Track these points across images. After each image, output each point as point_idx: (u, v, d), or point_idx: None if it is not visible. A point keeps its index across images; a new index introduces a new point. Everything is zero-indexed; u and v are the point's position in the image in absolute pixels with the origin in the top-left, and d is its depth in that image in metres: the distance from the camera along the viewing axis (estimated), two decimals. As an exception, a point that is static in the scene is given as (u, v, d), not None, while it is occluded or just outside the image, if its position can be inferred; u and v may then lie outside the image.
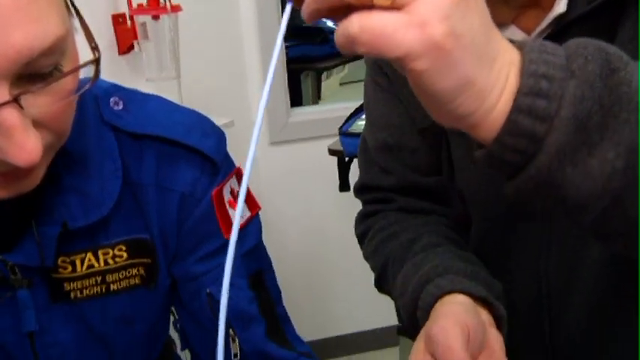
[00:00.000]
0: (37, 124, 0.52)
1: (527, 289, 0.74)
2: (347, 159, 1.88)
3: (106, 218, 0.68)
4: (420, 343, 0.61)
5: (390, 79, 0.79)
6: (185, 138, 0.72)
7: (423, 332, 0.62)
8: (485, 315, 0.64)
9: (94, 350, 0.72)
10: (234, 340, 0.73)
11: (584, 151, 0.42)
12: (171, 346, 0.97)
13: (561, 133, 0.42)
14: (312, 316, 2.42)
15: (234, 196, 0.74)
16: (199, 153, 0.72)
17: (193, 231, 0.73)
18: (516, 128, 0.43)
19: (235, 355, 0.73)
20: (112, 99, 0.70)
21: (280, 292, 0.80)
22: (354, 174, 1.25)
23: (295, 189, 2.34)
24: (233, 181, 0.75)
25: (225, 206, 0.73)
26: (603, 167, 0.42)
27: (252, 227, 0.77)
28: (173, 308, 0.80)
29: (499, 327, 0.65)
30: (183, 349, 0.80)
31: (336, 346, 2.47)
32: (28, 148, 0.50)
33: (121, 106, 0.70)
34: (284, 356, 0.75)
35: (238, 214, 0.44)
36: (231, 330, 0.73)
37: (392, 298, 0.77)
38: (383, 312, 2.31)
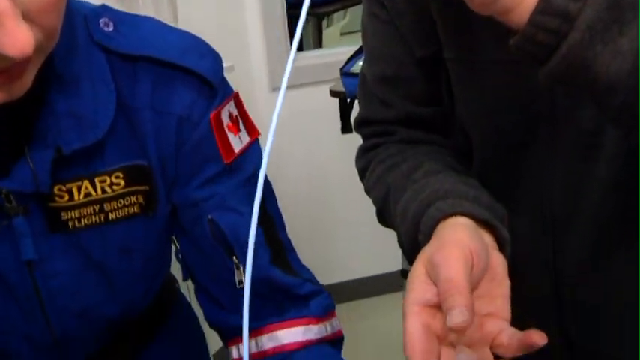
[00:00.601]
0: (27, 17, 0.51)
1: (532, 214, 0.72)
2: (348, 100, 1.86)
3: (101, 143, 0.66)
4: (419, 266, 0.59)
5: (387, 9, 0.77)
6: (181, 59, 0.69)
7: (422, 255, 0.60)
8: (488, 238, 0.62)
9: (93, 281, 0.71)
10: (237, 268, 0.72)
11: (614, 30, 0.45)
12: (172, 282, 0.96)
13: (594, 10, 0.44)
14: (315, 262, 2.40)
15: (233, 120, 0.72)
16: (196, 75, 0.70)
17: (192, 155, 0.71)
18: (550, 7, 0.46)
19: (240, 282, 0.72)
20: (101, 20, 0.68)
21: (283, 220, 0.79)
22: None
23: (297, 133, 2.32)
24: (231, 106, 0.73)
25: (224, 130, 0.71)
26: (633, 45, 0.45)
27: (251, 153, 0.75)
28: (174, 238, 0.79)
29: (502, 250, 0.63)
30: (185, 279, 0.80)
31: (340, 292, 2.48)
32: (20, 37, 0.49)
33: (111, 28, 0.68)
34: (289, 282, 0.74)
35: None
36: (234, 257, 0.72)
37: (393, 228, 0.76)
38: (386, 257, 2.31)
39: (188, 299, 1.02)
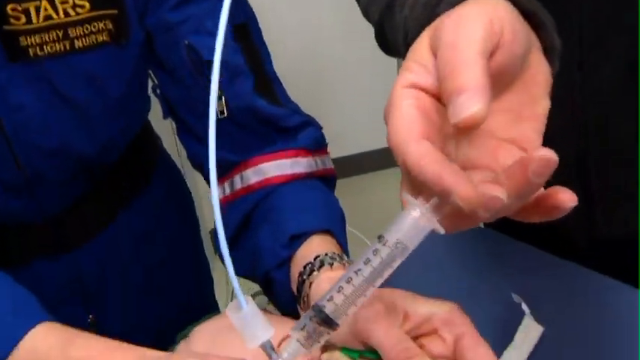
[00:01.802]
0: None
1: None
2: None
3: None
4: (422, 40, 0.42)
5: None
6: None
7: (429, 28, 0.43)
8: (532, 35, 0.43)
9: (64, 117, 0.66)
10: (220, 98, 0.67)
11: None
12: (155, 137, 0.91)
13: None
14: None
15: None
16: None
17: None
18: None
19: (222, 112, 0.67)
20: None
21: (269, 54, 0.72)
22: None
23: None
24: None
25: None
26: None
27: None
28: (151, 73, 0.73)
29: (549, 60, 0.44)
30: (165, 116, 0.74)
31: (337, 167, 2.46)
32: None
33: None
34: (275, 113, 0.69)
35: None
36: None
37: (394, 46, 0.67)
38: (381, 133, 2.27)
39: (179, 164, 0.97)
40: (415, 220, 0.39)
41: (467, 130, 0.35)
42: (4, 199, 0.68)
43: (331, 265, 0.57)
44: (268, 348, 0.47)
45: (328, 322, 0.42)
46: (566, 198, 0.37)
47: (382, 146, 2.65)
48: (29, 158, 0.66)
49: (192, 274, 0.95)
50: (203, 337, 0.65)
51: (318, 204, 0.66)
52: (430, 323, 0.49)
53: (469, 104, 0.34)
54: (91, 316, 0.83)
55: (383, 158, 2.67)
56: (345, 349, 0.50)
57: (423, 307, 0.49)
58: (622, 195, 0.76)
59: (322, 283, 0.56)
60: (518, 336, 0.71)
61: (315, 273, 0.57)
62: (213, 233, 0.58)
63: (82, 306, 0.81)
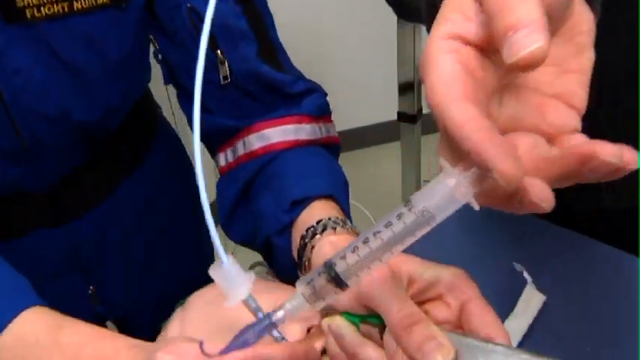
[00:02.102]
0: None
1: None
2: None
3: None
4: None
5: None
6: None
7: None
8: None
9: (63, 80, 0.65)
10: (222, 63, 0.66)
11: None
12: (155, 105, 0.90)
13: None
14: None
15: None
16: None
17: None
18: None
19: (225, 78, 0.65)
20: None
21: (273, 21, 0.71)
22: None
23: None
24: None
25: None
26: None
27: None
28: (152, 37, 0.72)
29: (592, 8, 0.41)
30: (167, 82, 0.73)
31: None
32: None
33: None
34: (280, 79, 0.68)
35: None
36: (218, 51, 0.65)
37: (417, 14, 0.62)
38: (383, 106, 2.25)
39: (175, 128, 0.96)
40: (449, 190, 0.35)
41: (526, 69, 0.31)
42: (3, 166, 0.67)
43: (334, 229, 0.56)
44: (251, 304, 0.46)
45: (337, 281, 0.40)
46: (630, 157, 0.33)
47: (383, 120, 2.64)
48: (28, 124, 0.65)
49: (194, 246, 0.95)
50: (199, 304, 0.64)
51: (321, 170, 0.65)
52: (435, 289, 0.47)
53: (529, 40, 0.30)
54: (91, 288, 0.82)
55: (383, 132, 2.66)
56: (346, 314, 0.49)
57: (428, 272, 0.47)
58: None
59: (325, 247, 0.55)
60: (520, 305, 0.71)
61: (317, 237, 0.56)
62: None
63: (82, 278, 0.81)
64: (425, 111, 1.68)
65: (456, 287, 0.47)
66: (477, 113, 0.32)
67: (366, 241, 0.38)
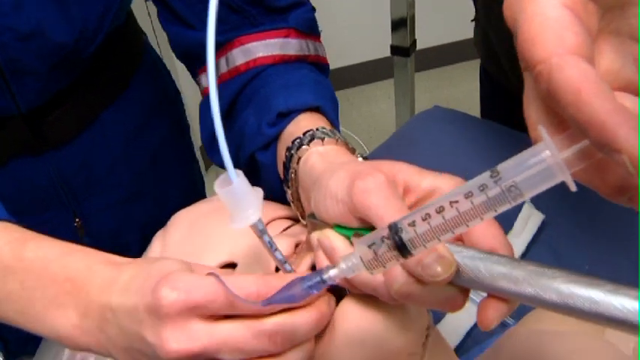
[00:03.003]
0: None
1: None
2: None
3: None
4: None
5: None
6: None
7: None
8: None
9: None
10: None
11: None
12: (139, 31, 0.86)
13: None
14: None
15: None
16: None
17: None
18: None
19: None
20: None
21: None
22: None
23: None
24: None
25: None
26: None
27: None
28: None
29: None
30: (145, -1, 0.69)
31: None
32: None
33: None
34: None
35: None
36: None
37: None
38: (375, 43, 2.21)
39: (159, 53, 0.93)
40: (545, 166, 0.30)
41: None
42: None
43: (322, 139, 0.52)
44: (260, 229, 0.42)
45: (401, 250, 0.35)
46: None
47: (376, 57, 2.59)
48: (2, 43, 0.62)
49: (182, 174, 0.93)
50: (180, 224, 0.62)
51: (307, 81, 0.61)
52: (433, 198, 0.44)
53: None
54: (77, 220, 0.80)
55: (376, 70, 2.61)
56: (337, 227, 0.45)
57: (427, 181, 0.44)
58: None
59: (312, 157, 0.51)
60: (518, 223, 0.69)
61: (304, 147, 0.53)
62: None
63: (67, 210, 0.79)
64: (419, 47, 1.64)
65: None
66: (595, 74, 0.26)
67: (440, 210, 0.33)
